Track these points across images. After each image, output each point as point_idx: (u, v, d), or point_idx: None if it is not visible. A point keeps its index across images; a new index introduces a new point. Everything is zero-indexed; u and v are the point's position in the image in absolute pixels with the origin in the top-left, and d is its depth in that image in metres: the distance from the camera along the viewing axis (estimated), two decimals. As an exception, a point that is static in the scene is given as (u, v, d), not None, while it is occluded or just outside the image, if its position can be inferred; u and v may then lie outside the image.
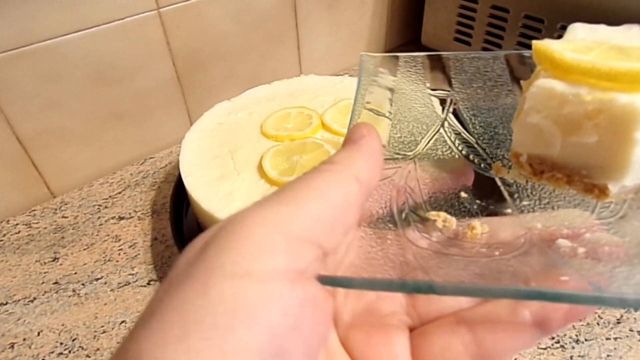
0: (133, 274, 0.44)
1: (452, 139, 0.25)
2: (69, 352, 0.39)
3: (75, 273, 0.45)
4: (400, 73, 0.28)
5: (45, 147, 0.51)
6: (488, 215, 0.22)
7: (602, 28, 0.21)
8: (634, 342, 0.37)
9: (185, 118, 0.61)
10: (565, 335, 0.37)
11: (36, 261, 0.46)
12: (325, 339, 0.15)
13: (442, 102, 0.27)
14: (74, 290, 0.43)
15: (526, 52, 0.23)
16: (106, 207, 0.53)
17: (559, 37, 0.21)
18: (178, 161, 0.44)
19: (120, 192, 0.54)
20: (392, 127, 0.26)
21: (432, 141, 0.25)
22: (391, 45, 0.81)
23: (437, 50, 0.72)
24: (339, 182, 0.16)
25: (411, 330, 0.19)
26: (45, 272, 0.45)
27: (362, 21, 0.73)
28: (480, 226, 0.20)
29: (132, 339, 0.12)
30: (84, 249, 0.47)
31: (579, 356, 0.36)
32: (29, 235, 0.50)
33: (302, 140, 0.44)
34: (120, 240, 0.48)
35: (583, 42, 0.20)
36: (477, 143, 0.25)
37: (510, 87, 0.25)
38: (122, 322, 0.40)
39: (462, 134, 0.25)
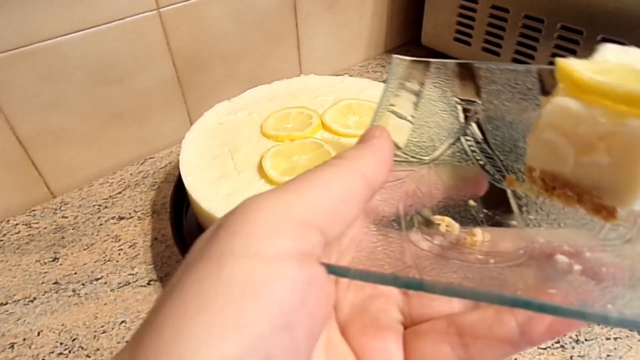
0: (133, 274, 0.45)
1: (472, 147, 0.25)
2: (69, 352, 0.39)
3: (75, 273, 0.45)
4: (429, 78, 0.28)
5: (45, 147, 0.51)
6: (493, 225, 0.22)
7: (632, 50, 0.21)
8: (634, 342, 0.37)
9: (185, 118, 0.61)
10: (565, 335, 0.37)
11: (36, 261, 0.46)
12: (327, 317, 0.16)
13: (467, 110, 0.27)
14: (74, 290, 0.43)
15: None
16: (106, 207, 0.53)
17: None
18: (178, 161, 0.44)
19: (120, 192, 0.55)
20: (413, 131, 0.26)
21: (450, 148, 0.26)
22: (391, 45, 0.81)
23: (437, 50, 0.72)
24: (343, 175, 0.17)
25: (405, 328, 0.20)
26: (45, 272, 0.45)
27: (362, 21, 0.73)
28: (481, 234, 0.21)
29: (156, 312, 0.13)
30: (84, 249, 0.47)
31: (579, 356, 0.36)
32: (29, 235, 0.50)
33: (302, 140, 0.44)
34: (120, 240, 0.48)
35: (606, 64, 0.20)
36: (495, 154, 0.25)
37: (538, 101, 0.25)
38: (122, 322, 0.40)
39: (482, 144, 0.26)
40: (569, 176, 0.20)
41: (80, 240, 0.49)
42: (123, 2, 0.49)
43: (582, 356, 0.36)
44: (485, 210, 0.22)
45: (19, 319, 0.41)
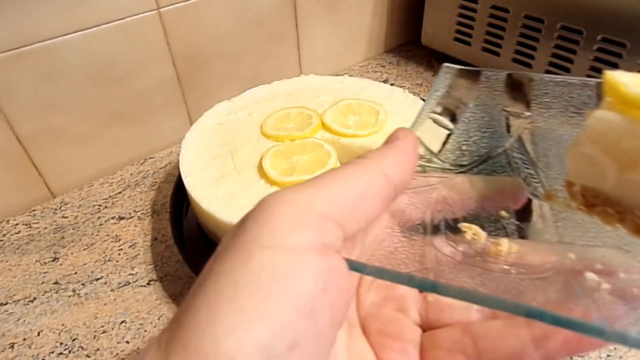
0: (133, 274, 0.45)
1: (514, 160, 0.25)
2: (69, 352, 0.39)
3: (75, 273, 0.45)
4: (478, 88, 0.27)
5: (45, 147, 0.51)
6: (523, 237, 0.21)
7: None
8: (634, 342, 0.37)
9: (185, 118, 0.61)
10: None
11: (36, 261, 0.47)
12: (348, 306, 0.17)
13: (513, 122, 0.26)
14: (74, 290, 0.43)
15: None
16: (106, 207, 0.53)
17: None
18: (178, 161, 0.44)
19: (120, 192, 0.55)
20: (452, 139, 0.25)
21: (491, 159, 0.25)
22: (391, 45, 0.81)
23: (437, 50, 0.72)
24: (364, 173, 0.18)
25: (423, 331, 0.20)
26: (45, 272, 0.45)
27: (362, 21, 0.73)
28: (507, 244, 0.20)
29: (191, 300, 0.14)
30: (84, 249, 0.47)
31: (579, 356, 0.36)
32: (29, 235, 0.50)
33: (302, 140, 0.44)
34: (120, 240, 0.48)
35: None
36: (538, 168, 0.24)
37: None
38: (122, 322, 0.40)
39: (525, 157, 0.25)
40: (610, 193, 0.19)
41: (80, 240, 0.49)
42: (123, 2, 0.49)
43: (582, 356, 0.36)
44: (517, 222, 0.22)
45: (19, 319, 0.41)
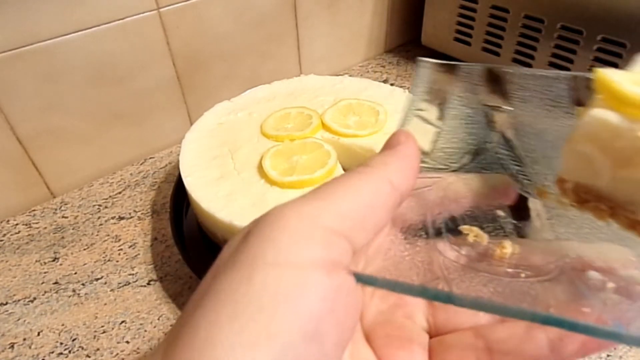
0: (133, 274, 0.45)
1: (500, 156, 0.25)
2: (69, 352, 0.39)
3: (75, 273, 0.45)
4: (457, 83, 0.27)
5: (45, 147, 0.51)
6: (521, 237, 0.21)
7: None
8: (634, 342, 0.36)
9: (185, 118, 0.61)
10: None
11: (36, 261, 0.47)
12: (355, 324, 0.16)
13: (496, 117, 0.26)
14: (74, 290, 0.43)
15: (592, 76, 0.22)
16: (106, 207, 0.53)
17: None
18: (178, 161, 0.44)
19: (120, 192, 0.55)
20: (440, 137, 0.25)
21: (479, 156, 0.25)
22: (391, 45, 0.81)
23: (437, 50, 0.72)
24: (371, 182, 0.17)
25: (430, 337, 0.20)
26: (45, 272, 0.45)
27: (362, 21, 0.73)
28: (511, 246, 0.20)
29: (187, 317, 0.14)
30: (84, 249, 0.47)
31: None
32: (29, 235, 0.50)
33: (302, 140, 0.44)
34: (120, 240, 0.48)
35: None
36: (524, 163, 0.24)
37: (569, 109, 0.24)
38: (122, 322, 0.40)
39: (511, 152, 0.25)
40: (603, 190, 0.19)
41: (80, 240, 0.49)
42: (123, 2, 0.49)
43: (582, 356, 0.36)
44: (514, 222, 0.22)
45: (19, 319, 0.41)
